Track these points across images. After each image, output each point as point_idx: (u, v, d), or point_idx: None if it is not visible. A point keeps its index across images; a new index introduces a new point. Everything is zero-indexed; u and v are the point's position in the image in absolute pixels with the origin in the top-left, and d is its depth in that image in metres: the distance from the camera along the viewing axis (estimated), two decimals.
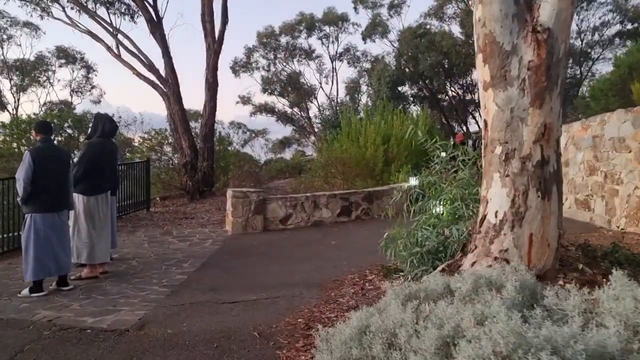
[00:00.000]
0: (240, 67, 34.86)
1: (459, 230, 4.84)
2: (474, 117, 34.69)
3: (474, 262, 4.35)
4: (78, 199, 6.02)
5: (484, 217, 4.35)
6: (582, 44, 31.22)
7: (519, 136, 3.96)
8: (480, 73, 4.43)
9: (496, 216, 4.08)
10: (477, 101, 35.07)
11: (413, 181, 10.84)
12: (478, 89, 4.63)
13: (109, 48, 13.95)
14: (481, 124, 4.59)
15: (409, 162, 11.84)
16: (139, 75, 13.68)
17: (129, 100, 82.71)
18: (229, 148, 17.30)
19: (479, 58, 4.40)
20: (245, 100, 36.10)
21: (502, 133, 4.05)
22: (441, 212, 5.56)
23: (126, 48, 13.77)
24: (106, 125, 6.53)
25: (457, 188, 5.22)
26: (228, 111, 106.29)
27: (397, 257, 5.64)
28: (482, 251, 4.31)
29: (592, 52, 30.98)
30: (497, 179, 4.08)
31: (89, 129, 6.72)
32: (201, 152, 13.17)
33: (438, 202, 5.61)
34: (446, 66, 32.35)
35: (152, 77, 13.47)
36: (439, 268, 4.77)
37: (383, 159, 11.35)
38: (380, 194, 10.16)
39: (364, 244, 7.68)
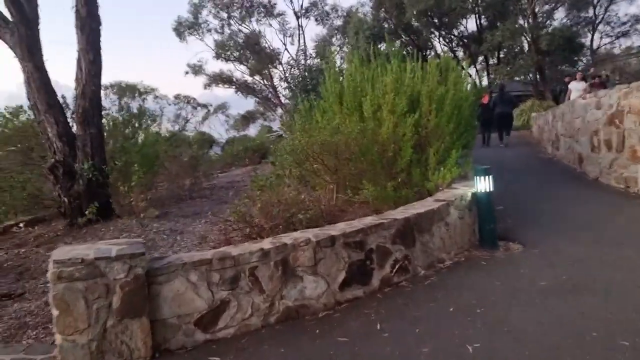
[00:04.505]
0: (186, 28, 28.55)
1: None
2: (469, 76, 29.21)
3: None
4: None
5: None
6: None
7: None
8: None
9: None
10: (470, 55, 29.73)
11: (482, 184, 5.38)
12: None
13: None
14: None
15: (456, 144, 6.37)
16: None
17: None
18: (153, 130, 11.52)
19: None
20: (196, 69, 29.95)
21: None
22: None
23: None
24: None
25: None
26: (177, 85, 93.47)
27: None
28: None
29: None
30: None
31: None
32: (81, 144, 7.42)
33: None
34: (434, 18, 26.77)
35: None
36: None
37: (412, 141, 5.88)
38: (428, 221, 4.69)
39: None
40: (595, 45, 27.41)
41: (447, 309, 3.80)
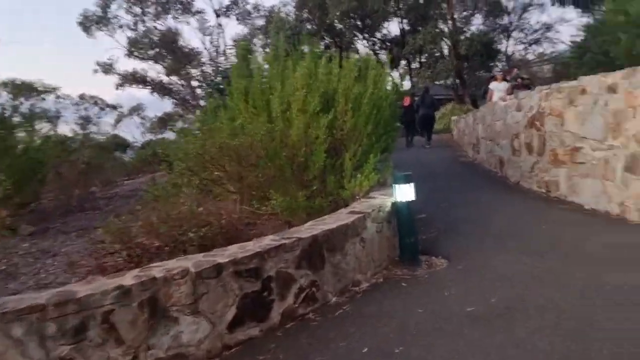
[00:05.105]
0: (94, 22, 26.52)
1: None
2: (392, 79, 29.29)
3: None
4: None
5: None
6: None
7: None
8: None
9: None
10: (393, 58, 29.78)
11: (402, 193, 4.73)
12: None
13: None
14: None
15: (375, 147, 5.76)
16: None
17: None
18: (43, 131, 10.12)
19: None
20: (106, 68, 27.87)
21: None
22: None
23: None
24: None
25: None
26: (87, 84, 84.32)
27: None
28: None
29: None
30: None
31: None
32: None
33: None
34: (357, 20, 26.59)
35: None
36: None
37: (326, 144, 5.19)
38: (340, 238, 3.98)
39: None
40: (510, 52, 28.38)
41: (359, 349, 3.10)
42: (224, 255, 3.25)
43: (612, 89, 5.97)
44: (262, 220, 5.86)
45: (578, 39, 13.66)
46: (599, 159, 6.25)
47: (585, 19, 22.83)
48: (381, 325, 3.44)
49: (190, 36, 54.78)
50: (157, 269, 3.01)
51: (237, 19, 30.20)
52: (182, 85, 28.87)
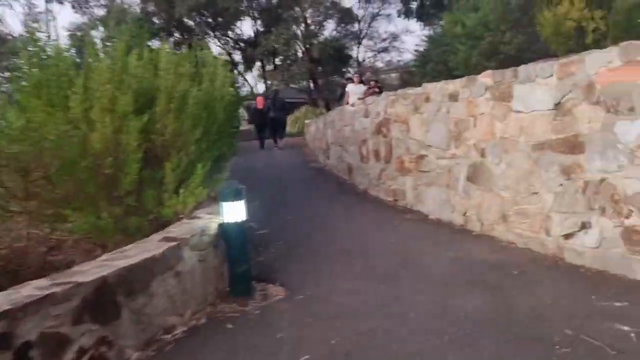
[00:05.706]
0: None
1: None
2: (245, 80, 28.55)
3: None
4: None
5: None
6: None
7: None
8: None
9: None
10: (247, 59, 29.06)
11: (231, 212, 3.94)
12: None
13: None
14: None
15: (205, 156, 4.93)
16: None
17: None
18: None
19: None
20: None
21: None
22: None
23: None
24: None
25: None
26: None
27: None
28: None
29: (370, 8, 27.84)
30: None
31: None
32: None
33: None
34: (208, 17, 25.39)
35: None
36: None
37: (141, 152, 4.24)
38: (144, 276, 3.09)
39: None
40: (361, 58, 29.31)
41: None
42: None
43: (453, 97, 5.86)
44: (69, 243, 4.74)
45: (421, 49, 14.17)
46: (442, 168, 6.13)
47: (427, 31, 24.44)
48: None
49: (14, 22, 48.62)
50: None
51: (73, 7, 27.08)
52: (3, 78, 25.07)
